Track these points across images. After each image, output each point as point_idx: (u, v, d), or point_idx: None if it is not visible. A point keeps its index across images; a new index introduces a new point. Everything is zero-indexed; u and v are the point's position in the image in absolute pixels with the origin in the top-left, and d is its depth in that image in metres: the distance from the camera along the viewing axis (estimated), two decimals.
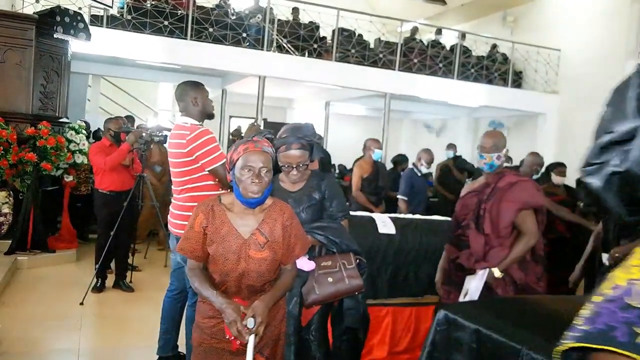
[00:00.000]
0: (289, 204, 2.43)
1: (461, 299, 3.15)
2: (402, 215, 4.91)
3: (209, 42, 8.99)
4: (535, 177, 5.82)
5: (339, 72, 9.85)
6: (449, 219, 4.95)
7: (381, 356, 4.09)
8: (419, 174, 6.56)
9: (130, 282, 5.75)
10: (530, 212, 3.18)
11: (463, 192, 3.56)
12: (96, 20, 8.44)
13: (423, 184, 6.70)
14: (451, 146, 8.96)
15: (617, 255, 3.60)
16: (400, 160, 8.65)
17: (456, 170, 8.55)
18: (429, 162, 6.55)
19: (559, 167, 6.05)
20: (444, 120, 15.07)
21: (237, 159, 2.22)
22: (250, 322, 2.10)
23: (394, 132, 12.97)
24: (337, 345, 3.12)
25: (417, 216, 4.91)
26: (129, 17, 8.63)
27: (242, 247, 2.24)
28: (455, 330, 2.18)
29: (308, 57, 9.92)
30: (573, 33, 11.47)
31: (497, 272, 3.11)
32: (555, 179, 5.94)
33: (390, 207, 6.80)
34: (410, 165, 7.07)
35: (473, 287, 3.10)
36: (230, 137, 11.85)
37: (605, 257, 3.74)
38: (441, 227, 4.46)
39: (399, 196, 6.44)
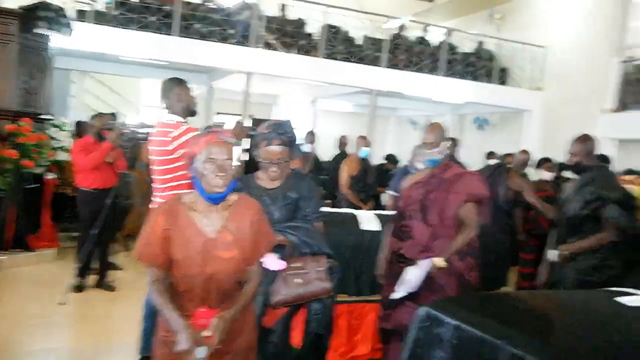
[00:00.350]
0: (257, 201, 2.34)
1: (397, 288, 3.13)
2: (386, 212, 4.92)
3: (196, 39, 8.93)
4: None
5: (325, 69, 9.83)
6: None
7: (364, 352, 4.09)
8: (414, 172, 6.44)
9: (112, 281, 5.70)
10: (473, 204, 3.20)
11: (406, 183, 3.53)
12: (82, 15, 8.35)
13: None
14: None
15: (565, 252, 3.61)
16: (391, 159, 8.63)
17: None
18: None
19: (547, 163, 6.11)
20: (429, 116, 15.10)
21: (199, 152, 2.10)
22: (199, 353, 1.98)
23: (380, 129, 13.00)
24: (304, 351, 3.07)
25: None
26: (116, 13, 8.55)
27: (209, 248, 2.12)
28: (437, 326, 2.18)
29: (295, 53, 9.89)
30: (558, 30, 11.54)
31: (441, 262, 3.10)
32: (544, 174, 5.98)
33: (380, 204, 6.79)
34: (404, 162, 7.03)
35: (413, 274, 3.09)
36: None
37: (552, 254, 3.73)
38: None
39: (388, 192, 6.36)
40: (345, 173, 6.47)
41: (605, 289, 2.42)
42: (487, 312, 2.12)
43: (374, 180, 6.75)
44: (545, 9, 12.06)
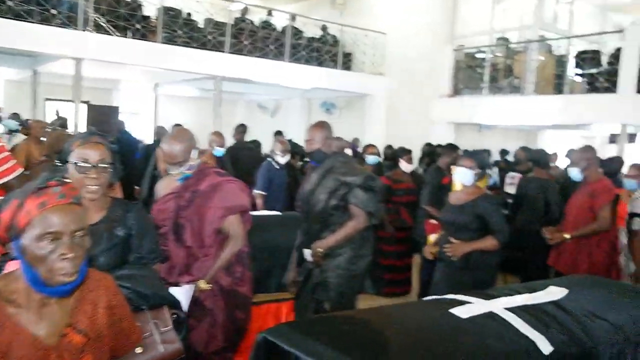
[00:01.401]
0: (107, 273, 1.72)
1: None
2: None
3: (10, 19, 7.88)
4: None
5: (165, 54, 9.29)
6: (277, 213, 4.86)
7: None
8: (277, 166, 6.07)
9: None
10: (237, 215, 2.94)
11: (159, 192, 3.06)
12: None
13: (282, 177, 6.12)
14: (279, 133, 8.93)
15: (319, 249, 3.38)
16: (256, 146, 8.31)
17: None
18: (285, 152, 6.11)
19: (407, 154, 6.17)
20: (278, 100, 15.08)
21: (28, 223, 1.40)
22: None
23: (228, 114, 12.67)
24: None
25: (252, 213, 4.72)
26: None
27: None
28: (274, 356, 2.04)
29: (131, 37, 9.20)
30: (397, 17, 12.01)
31: (203, 285, 2.85)
32: (405, 166, 6.05)
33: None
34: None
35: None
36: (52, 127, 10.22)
37: (307, 253, 3.50)
38: (267, 222, 4.34)
39: (255, 191, 5.90)
40: None
41: (438, 298, 2.43)
42: (326, 339, 2.01)
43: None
44: None
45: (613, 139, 11.25)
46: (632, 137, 10.45)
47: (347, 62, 12.34)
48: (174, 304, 2.32)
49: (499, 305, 2.31)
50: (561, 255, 4.51)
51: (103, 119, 12.29)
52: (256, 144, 8.31)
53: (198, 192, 2.87)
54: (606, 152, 11.23)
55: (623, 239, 4.39)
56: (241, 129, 7.63)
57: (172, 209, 2.86)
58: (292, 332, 2.12)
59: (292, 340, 2.02)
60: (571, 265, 4.37)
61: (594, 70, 9.33)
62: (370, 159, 6.54)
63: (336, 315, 2.46)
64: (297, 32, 11.37)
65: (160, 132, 8.31)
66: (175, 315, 2.26)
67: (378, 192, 3.42)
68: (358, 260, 3.42)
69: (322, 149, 3.49)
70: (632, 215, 4.11)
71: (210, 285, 2.86)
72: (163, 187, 3.06)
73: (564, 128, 11.92)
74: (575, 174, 4.58)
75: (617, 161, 6.17)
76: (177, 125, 7.02)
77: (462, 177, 3.86)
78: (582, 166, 4.50)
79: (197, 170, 2.92)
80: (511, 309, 2.28)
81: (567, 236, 4.37)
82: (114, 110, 13.75)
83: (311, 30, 12.03)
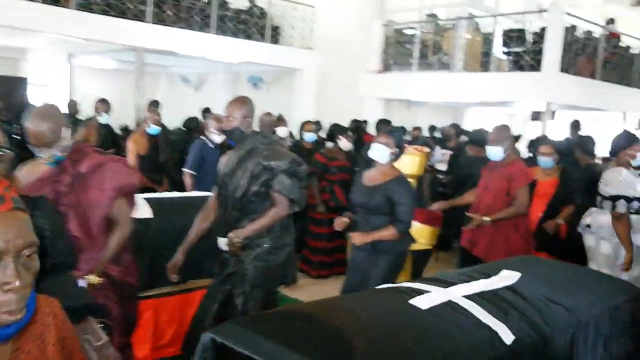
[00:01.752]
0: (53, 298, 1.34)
1: None
2: (158, 195, 4.40)
3: None
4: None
5: (80, 22, 8.60)
6: (208, 193, 4.60)
7: (143, 355, 3.64)
8: (212, 145, 5.64)
9: None
10: (122, 198, 2.66)
11: (24, 179, 2.62)
12: None
13: (216, 157, 5.68)
14: (207, 110, 8.63)
15: (237, 239, 3.10)
16: (196, 125, 7.81)
17: None
18: (220, 130, 5.53)
19: (346, 132, 6.10)
20: (202, 74, 14.55)
21: None
22: None
23: (149, 87, 12.08)
24: None
25: (175, 193, 4.45)
26: None
27: None
28: (224, 358, 1.83)
29: (42, 3, 8.45)
30: None
31: (94, 279, 2.57)
32: (344, 144, 5.93)
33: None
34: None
35: None
36: None
37: (222, 242, 3.18)
38: (199, 204, 4.10)
39: (185, 170, 5.55)
40: (131, 154, 5.57)
41: (394, 286, 2.29)
42: (281, 337, 1.83)
43: (167, 158, 6.00)
44: None
45: (535, 116, 11.63)
46: (552, 115, 10.81)
47: (275, 36, 12.01)
48: (99, 310, 2.01)
49: (457, 294, 2.23)
50: (477, 239, 4.34)
51: (8, 92, 11.35)
52: (194, 122, 7.78)
53: (79, 174, 2.54)
54: (528, 129, 11.63)
55: (604, 219, 4.11)
56: (154, 105, 7.25)
57: (50, 196, 2.42)
58: (243, 332, 1.91)
59: (243, 340, 1.82)
60: (489, 249, 4.22)
61: (519, 49, 9.52)
62: (308, 136, 6.39)
63: (289, 311, 2.28)
64: (223, 3, 10.91)
65: (72, 106, 7.76)
66: (101, 324, 1.92)
67: (303, 177, 3.19)
68: (278, 251, 3.19)
69: (241, 128, 3.18)
70: (617, 197, 3.87)
71: (101, 279, 2.60)
72: (28, 173, 2.61)
73: (488, 105, 12.21)
74: (495, 153, 4.26)
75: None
76: (102, 100, 6.56)
77: (376, 153, 3.69)
78: (506, 145, 4.23)
79: (71, 151, 2.55)
80: (470, 297, 2.20)
81: (487, 219, 4.19)
82: (20, 82, 12.75)
83: (238, 2, 11.60)
